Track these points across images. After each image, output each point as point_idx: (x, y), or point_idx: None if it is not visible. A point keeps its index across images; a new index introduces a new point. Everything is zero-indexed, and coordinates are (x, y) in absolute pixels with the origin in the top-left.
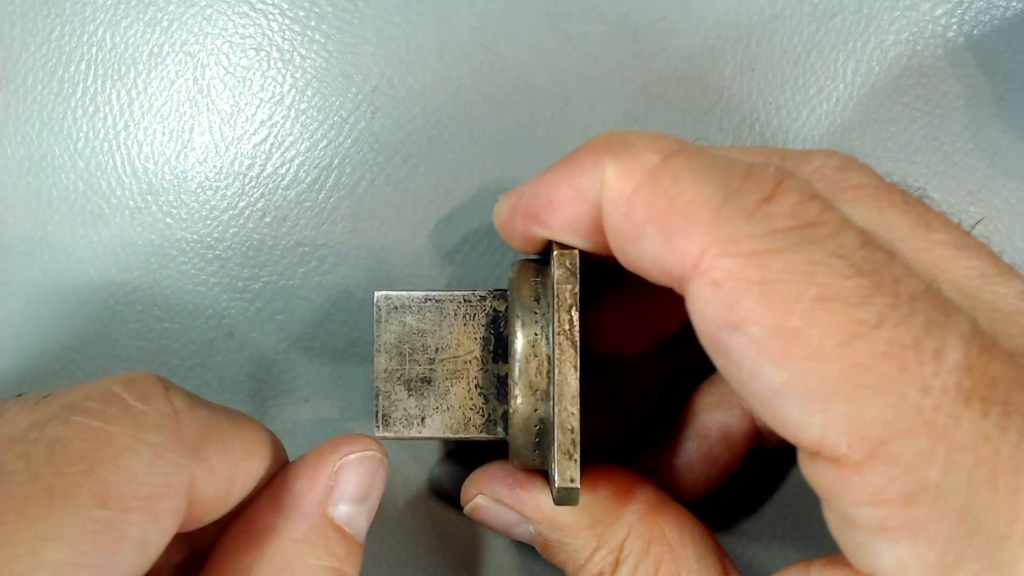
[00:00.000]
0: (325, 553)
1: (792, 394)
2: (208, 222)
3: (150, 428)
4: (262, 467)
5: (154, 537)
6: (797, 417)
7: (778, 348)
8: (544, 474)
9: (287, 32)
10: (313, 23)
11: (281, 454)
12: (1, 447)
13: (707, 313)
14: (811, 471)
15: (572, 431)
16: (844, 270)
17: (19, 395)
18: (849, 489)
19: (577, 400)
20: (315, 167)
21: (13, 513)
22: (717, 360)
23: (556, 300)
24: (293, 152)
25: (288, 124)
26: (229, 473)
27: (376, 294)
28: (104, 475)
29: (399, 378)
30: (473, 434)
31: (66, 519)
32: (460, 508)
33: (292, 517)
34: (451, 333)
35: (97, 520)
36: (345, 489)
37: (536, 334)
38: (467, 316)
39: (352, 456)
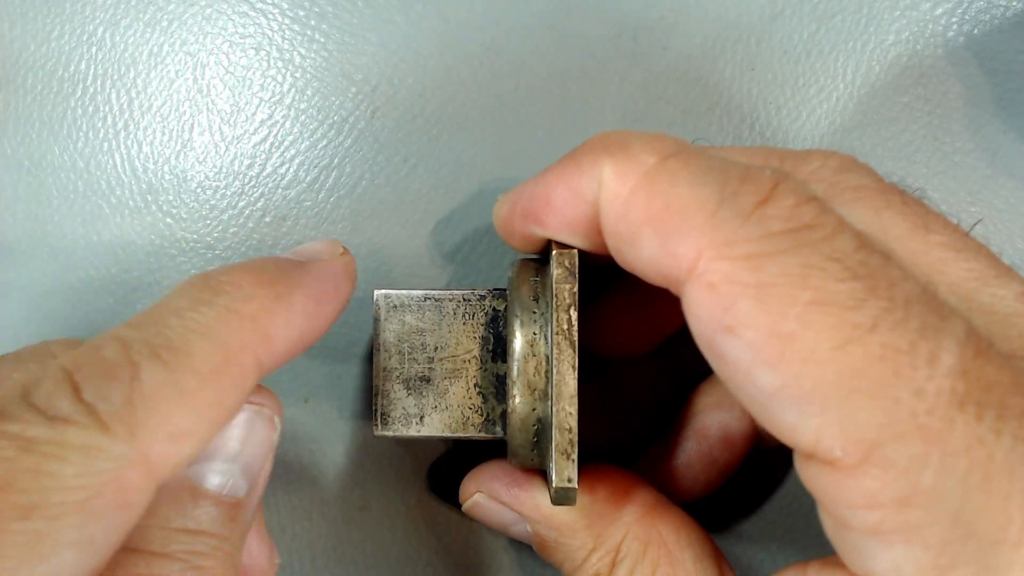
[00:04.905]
0: (177, 516)
1: (787, 397)
2: (208, 222)
3: (75, 430)
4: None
5: (102, 535)
6: (792, 420)
7: (773, 352)
8: (542, 474)
9: (287, 32)
10: (313, 23)
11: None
12: None
13: (702, 316)
14: (806, 474)
15: (570, 431)
16: (839, 273)
17: None
18: (843, 492)
19: (575, 400)
20: (315, 167)
21: None
22: (713, 363)
23: (555, 299)
24: (293, 152)
25: (288, 124)
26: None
27: (376, 293)
28: (24, 486)
29: (398, 377)
30: (472, 433)
31: None
32: (459, 507)
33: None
34: (450, 332)
35: (23, 532)
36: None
37: (535, 333)
38: (466, 315)
39: None
